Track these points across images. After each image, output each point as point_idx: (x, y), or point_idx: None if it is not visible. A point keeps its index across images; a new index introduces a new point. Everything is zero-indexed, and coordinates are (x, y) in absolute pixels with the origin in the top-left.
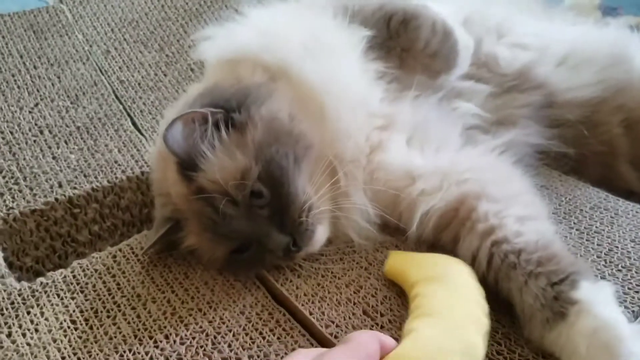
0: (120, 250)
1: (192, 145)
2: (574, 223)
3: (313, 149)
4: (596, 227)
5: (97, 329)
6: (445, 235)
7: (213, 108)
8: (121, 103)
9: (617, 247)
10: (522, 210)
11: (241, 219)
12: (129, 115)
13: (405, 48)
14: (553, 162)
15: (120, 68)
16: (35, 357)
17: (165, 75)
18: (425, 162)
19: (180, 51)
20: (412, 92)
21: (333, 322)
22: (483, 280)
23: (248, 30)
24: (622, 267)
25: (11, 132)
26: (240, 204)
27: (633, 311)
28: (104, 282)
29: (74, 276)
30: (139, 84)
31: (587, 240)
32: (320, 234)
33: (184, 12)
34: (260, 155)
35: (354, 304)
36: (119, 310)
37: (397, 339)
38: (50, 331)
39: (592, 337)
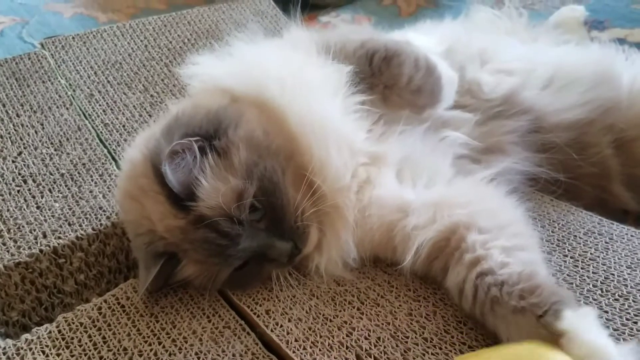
0: (105, 301)
1: (186, 176)
2: (568, 250)
3: (293, 158)
4: (591, 253)
5: None
6: (436, 265)
7: (191, 137)
8: (105, 147)
9: (612, 274)
10: (510, 241)
11: (247, 236)
12: (113, 159)
13: (388, 85)
14: (544, 188)
15: (104, 111)
16: None
17: (150, 115)
18: (417, 197)
19: (164, 90)
20: (398, 128)
21: None
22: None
23: (231, 62)
24: (618, 296)
25: None
26: (244, 223)
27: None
28: (89, 336)
29: (59, 331)
30: (123, 126)
31: (582, 268)
32: (313, 234)
33: (168, 51)
34: (251, 174)
35: (347, 347)
36: None
37: None
38: None
39: None
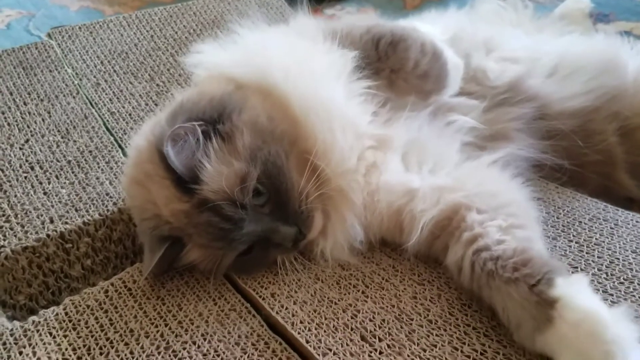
0: (112, 284)
1: (190, 159)
2: (573, 236)
3: (297, 142)
4: (596, 239)
5: None
6: (437, 244)
7: (195, 122)
8: (112, 135)
9: (618, 259)
10: (507, 220)
11: (251, 221)
12: (120, 146)
13: (394, 69)
14: (549, 175)
15: (110, 100)
16: None
17: (156, 104)
18: (423, 183)
19: (170, 80)
20: (404, 113)
21: (330, 350)
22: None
23: (235, 49)
24: (623, 279)
25: (2, 170)
26: (247, 207)
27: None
28: (96, 318)
29: (66, 313)
30: (129, 114)
31: (587, 253)
32: (318, 219)
33: (174, 42)
34: (255, 158)
35: (352, 329)
36: (112, 347)
37: None
38: None
39: (577, 329)
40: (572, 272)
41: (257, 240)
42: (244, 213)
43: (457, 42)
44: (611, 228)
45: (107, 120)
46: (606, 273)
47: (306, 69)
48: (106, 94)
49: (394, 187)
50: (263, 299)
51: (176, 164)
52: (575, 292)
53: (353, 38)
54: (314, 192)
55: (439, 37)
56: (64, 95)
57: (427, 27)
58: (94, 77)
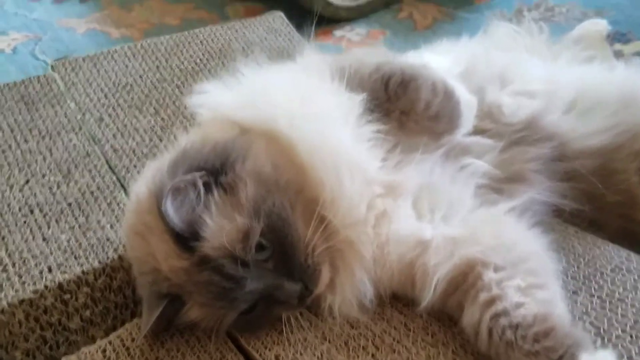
0: (110, 343)
1: (190, 214)
2: (595, 289)
3: (303, 191)
4: (619, 293)
5: None
6: (452, 301)
7: (196, 172)
8: (115, 174)
9: None
10: (526, 279)
11: (254, 278)
12: (122, 186)
13: (404, 111)
14: (568, 220)
15: (114, 135)
16: None
17: (160, 140)
18: (435, 233)
19: (176, 113)
20: (415, 155)
21: None
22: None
23: (239, 91)
24: None
25: (0, 214)
26: (250, 264)
27: None
28: None
29: None
30: (133, 151)
31: (609, 310)
32: (325, 273)
33: (180, 72)
34: (259, 211)
35: None
36: None
37: None
38: None
39: None
40: (595, 335)
41: (261, 297)
42: (247, 271)
43: (470, 75)
44: (634, 280)
45: (110, 158)
46: (630, 335)
47: (312, 113)
48: (109, 130)
49: (405, 238)
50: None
51: (175, 221)
52: None
53: (362, 77)
54: (320, 244)
55: (450, 71)
56: (66, 132)
57: (438, 59)
58: (98, 111)
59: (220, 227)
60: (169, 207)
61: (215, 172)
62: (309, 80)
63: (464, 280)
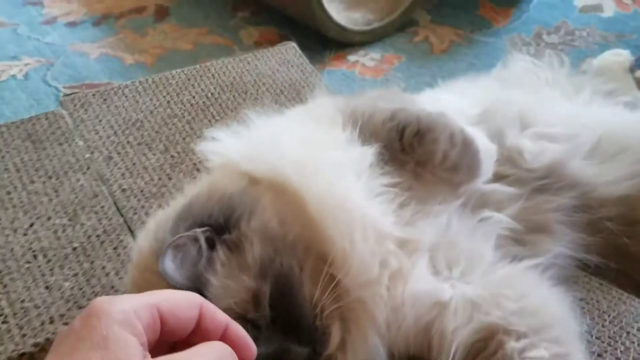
0: None
1: (192, 272)
2: (621, 352)
3: (312, 248)
4: None
5: None
6: None
7: (199, 228)
8: (122, 215)
9: None
10: (552, 348)
11: (264, 341)
12: (129, 229)
13: (420, 162)
14: (595, 270)
15: (122, 175)
16: None
17: (170, 178)
18: (455, 292)
19: (185, 150)
20: (432, 207)
21: None
22: None
23: (249, 141)
24: None
25: (3, 260)
26: (262, 327)
27: None
28: None
29: None
30: (141, 191)
31: None
32: (335, 333)
33: (190, 107)
34: (266, 272)
35: None
36: None
37: None
38: None
39: None
40: None
41: None
42: (259, 333)
43: (488, 117)
44: None
45: (118, 199)
46: None
47: (322, 165)
48: (118, 169)
49: (422, 298)
50: None
51: (176, 279)
52: None
53: (375, 125)
54: (330, 305)
55: (468, 113)
56: (74, 172)
57: (454, 100)
58: (107, 149)
59: (226, 288)
60: (168, 266)
61: (219, 228)
62: (319, 129)
63: (484, 347)
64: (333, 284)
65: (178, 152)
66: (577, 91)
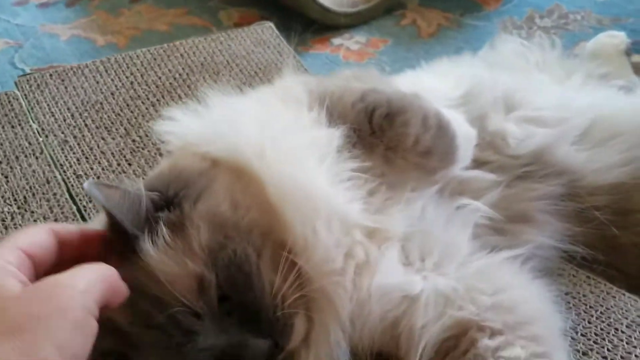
0: None
1: (136, 225)
2: (609, 350)
3: (271, 234)
4: (636, 355)
5: None
6: None
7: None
8: (75, 203)
9: None
10: (529, 347)
11: (211, 333)
12: (82, 218)
13: (391, 146)
14: (581, 263)
15: (78, 160)
16: None
17: (130, 164)
18: (426, 285)
19: (148, 134)
20: (404, 194)
21: None
22: None
23: (208, 121)
24: None
25: None
26: (205, 317)
27: None
28: None
29: None
30: (98, 177)
31: None
32: (299, 326)
33: (156, 89)
34: (215, 260)
35: None
36: None
37: None
38: None
39: None
40: None
41: (223, 356)
42: (200, 324)
43: (471, 100)
44: None
45: (72, 185)
46: None
47: (284, 147)
48: (74, 153)
49: (390, 292)
50: None
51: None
52: None
53: (344, 106)
54: (292, 293)
55: (448, 95)
56: (26, 156)
57: (435, 81)
58: (62, 132)
59: (166, 266)
60: (96, 190)
61: (168, 200)
62: (284, 110)
63: (456, 346)
64: (295, 272)
65: (140, 137)
66: (568, 75)
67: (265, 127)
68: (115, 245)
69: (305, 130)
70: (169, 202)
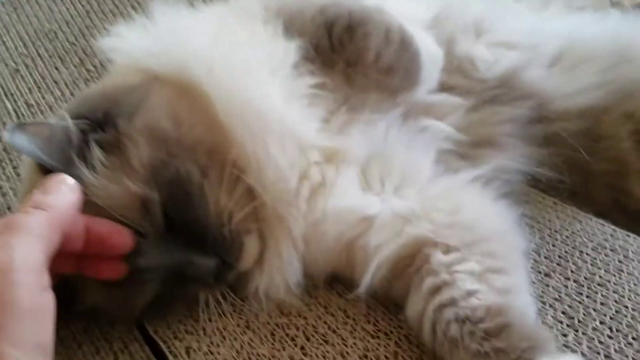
0: None
1: (67, 161)
2: (572, 271)
3: (218, 152)
4: (600, 276)
5: None
6: (397, 287)
7: (77, 119)
8: None
9: (626, 307)
10: (483, 262)
11: (156, 252)
12: None
13: (351, 62)
14: (547, 190)
15: (29, 89)
16: None
17: None
18: (383, 207)
19: (104, 64)
20: (365, 115)
21: None
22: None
23: (156, 35)
24: (632, 338)
25: None
26: (149, 236)
27: None
28: None
29: None
30: (50, 107)
31: (587, 297)
32: (251, 245)
33: (113, 17)
34: (158, 178)
35: None
36: None
37: None
38: None
39: None
40: (568, 327)
41: (169, 276)
42: (146, 244)
43: (440, 23)
44: (619, 262)
45: (22, 115)
46: (610, 328)
47: (235, 62)
48: (25, 82)
49: (345, 214)
50: (175, 355)
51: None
52: None
53: (303, 20)
54: (240, 211)
55: (420, 17)
56: None
57: (407, 4)
58: (13, 61)
59: (108, 191)
60: (17, 140)
61: (97, 122)
62: (238, 25)
63: (410, 264)
64: (245, 192)
65: (95, 67)
66: (545, 5)
67: (216, 41)
68: None
69: (260, 45)
70: (100, 125)
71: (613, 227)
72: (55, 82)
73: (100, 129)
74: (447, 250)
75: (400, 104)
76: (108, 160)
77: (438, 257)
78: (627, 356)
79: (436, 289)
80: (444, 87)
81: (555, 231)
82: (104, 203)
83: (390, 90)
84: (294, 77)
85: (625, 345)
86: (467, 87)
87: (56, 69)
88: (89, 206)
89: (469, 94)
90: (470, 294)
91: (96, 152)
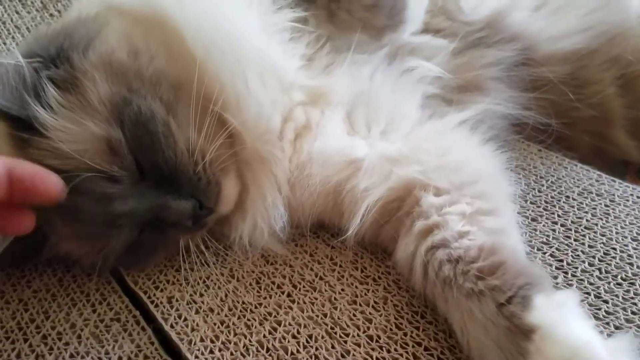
0: None
1: (21, 101)
2: (559, 216)
3: (185, 86)
4: (587, 220)
5: None
6: (385, 231)
7: (30, 58)
8: None
9: (614, 248)
10: (473, 203)
11: (127, 197)
12: None
13: None
14: (532, 136)
15: None
16: None
17: None
18: (371, 150)
19: (67, 7)
20: (349, 55)
21: None
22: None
23: None
24: (621, 279)
25: None
26: (121, 180)
27: None
28: None
29: None
30: (9, 51)
31: (575, 240)
32: (229, 187)
33: None
34: (120, 116)
35: (267, 350)
36: None
37: None
38: None
39: None
40: (557, 269)
41: (146, 222)
42: (119, 188)
43: None
44: (606, 206)
45: None
46: (599, 269)
47: None
48: None
49: (332, 156)
50: (156, 305)
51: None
52: (560, 317)
53: None
54: (215, 151)
55: None
56: None
57: None
58: None
59: (69, 133)
60: None
61: (52, 61)
62: None
63: (399, 207)
64: (222, 130)
65: (59, 11)
66: None
67: None
68: (14, 135)
69: None
70: (54, 62)
71: (598, 172)
72: (17, 27)
73: (53, 65)
74: (438, 192)
75: (385, 46)
76: (65, 99)
77: (429, 200)
78: (617, 296)
79: (427, 231)
80: (428, 30)
81: (541, 177)
82: (69, 148)
83: (375, 29)
84: (273, 10)
85: (615, 286)
86: (452, 29)
87: (17, 12)
88: (53, 154)
89: (454, 37)
90: (462, 234)
91: (50, 91)
